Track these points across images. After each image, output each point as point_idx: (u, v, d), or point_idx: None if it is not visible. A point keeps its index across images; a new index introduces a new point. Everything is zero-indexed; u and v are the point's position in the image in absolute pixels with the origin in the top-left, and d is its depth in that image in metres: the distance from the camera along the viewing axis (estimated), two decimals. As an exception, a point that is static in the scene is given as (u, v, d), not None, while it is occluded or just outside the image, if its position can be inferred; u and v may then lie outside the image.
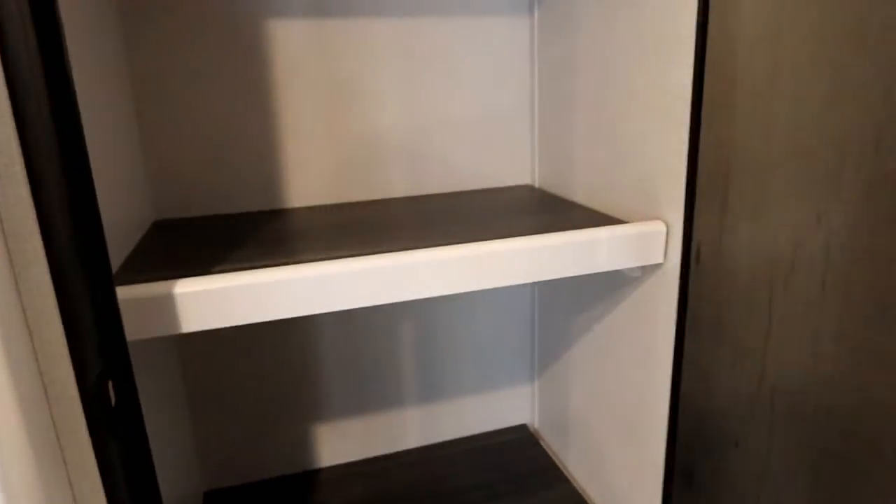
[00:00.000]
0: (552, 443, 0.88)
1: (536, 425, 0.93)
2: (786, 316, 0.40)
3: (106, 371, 0.37)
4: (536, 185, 0.81)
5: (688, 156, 0.49)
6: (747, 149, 0.41)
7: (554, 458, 0.86)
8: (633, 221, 0.60)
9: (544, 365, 0.88)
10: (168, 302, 0.45)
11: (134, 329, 0.44)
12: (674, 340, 0.54)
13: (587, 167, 0.68)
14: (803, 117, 0.37)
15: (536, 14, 0.76)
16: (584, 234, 0.54)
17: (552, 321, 0.84)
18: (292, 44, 0.70)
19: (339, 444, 0.86)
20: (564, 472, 0.83)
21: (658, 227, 0.56)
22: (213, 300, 0.46)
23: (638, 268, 0.57)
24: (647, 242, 0.55)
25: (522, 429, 0.93)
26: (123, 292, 0.44)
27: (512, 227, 0.60)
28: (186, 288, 0.45)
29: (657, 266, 0.57)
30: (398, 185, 0.77)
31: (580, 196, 0.70)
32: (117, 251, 0.54)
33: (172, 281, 0.45)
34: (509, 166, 0.81)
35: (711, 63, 0.44)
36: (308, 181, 0.74)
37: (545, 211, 0.68)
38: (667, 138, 0.54)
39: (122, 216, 0.57)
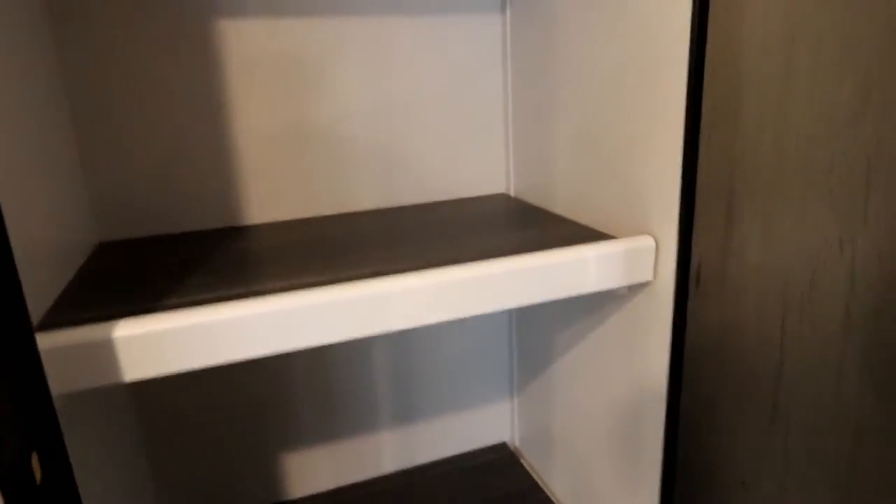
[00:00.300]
0: (534, 462, 0.84)
1: (517, 443, 0.89)
2: (802, 349, 0.36)
3: (28, 443, 0.31)
4: (512, 193, 0.77)
5: (683, 167, 0.45)
6: (756, 163, 0.38)
7: (536, 477, 0.82)
8: (619, 235, 0.57)
9: (524, 381, 0.84)
10: (105, 348, 0.39)
11: (64, 381, 0.38)
12: (668, 365, 0.50)
13: (567, 176, 0.64)
14: (823, 130, 0.33)
15: (509, 12, 0.72)
16: (568, 254, 0.50)
17: (531, 336, 0.80)
18: (246, 45, 0.64)
19: (311, 473, 0.80)
20: (547, 491, 0.79)
21: (647, 242, 0.52)
22: (157, 344, 0.40)
23: (625, 286, 0.53)
24: (635, 259, 0.52)
25: (502, 448, 0.89)
26: (51, 339, 0.38)
27: (489, 246, 0.55)
28: (126, 331, 0.39)
29: (646, 284, 0.53)
30: (366, 196, 0.72)
31: (560, 206, 0.66)
32: (55, 281, 0.48)
33: (110, 323, 0.40)
34: (483, 174, 0.76)
35: (712, 66, 0.40)
36: (268, 195, 0.68)
37: (524, 225, 0.64)
38: (657, 146, 0.50)
39: (58, 240, 0.51)
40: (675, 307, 0.48)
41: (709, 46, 0.40)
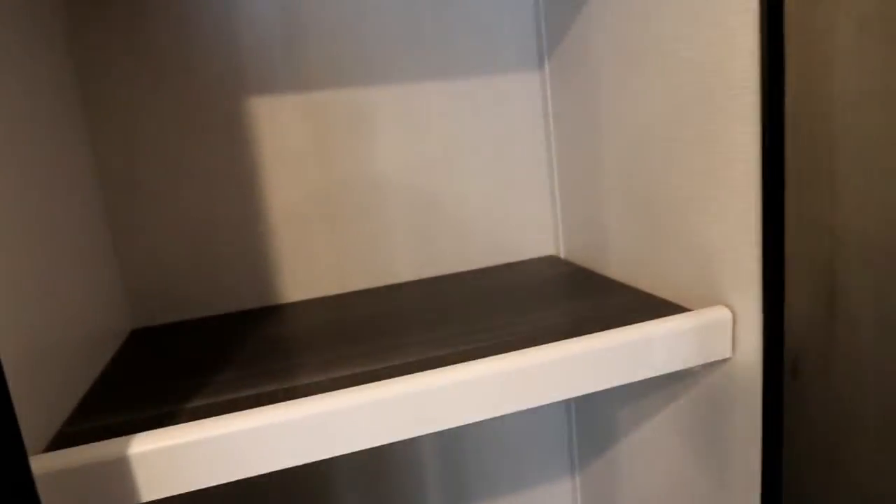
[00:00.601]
0: (602, 549, 0.76)
1: (581, 526, 0.81)
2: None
3: None
4: (562, 255, 0.72)
5: (762, 234, 0.39)
6: (865, 240, 0.32)
7: (606, 568, 0.74)
8: (684, 303, 0.50)
9: (586, 460, 0.77)
10: (120, 467, 0.35)
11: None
12: (761, 460, 0.43)
13: (621, 237, 0.59)
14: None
15: (547, 68, 0.68)
16: (633, 333, 0.44)
17: (592, 410, 0.73)
18: (276, 120, 0.62)
19: (357, 565, 0.75)
20: (620, 586, 0.71)
21: (722, 314, 0.46)
22: (178, 459, 0.36)
23: (698, 365, 0.47)
24: (709, 335, 0.45)
25: None
26: (62, 458, 0.35)
27: (542, 323, 0.50)
28: (144, 446, 0.36)
29: (724, 361, 0.47)
30: (405, 267, 0.68)
31: (615, 270, 0.61)
32: (84, 374, 0.45)
33: (125, 438, 0.36)
34: (530, 236, 0.72)
35: (793, 123, 0.35)
36: (302, 271, 0.65)
37: (578, 293, 0.58)
38: (725, 208, 0.45)
39: (90, 331, 0.48)
40: (766, 397, 0.41)
41: (788, 99, 0.34)
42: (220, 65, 0.60)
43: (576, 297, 0.57)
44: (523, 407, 0.41)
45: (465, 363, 0.41)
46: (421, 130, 0.66)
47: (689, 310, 0.49)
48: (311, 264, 0.65)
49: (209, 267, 0.63)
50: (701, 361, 0.46)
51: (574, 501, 0.81)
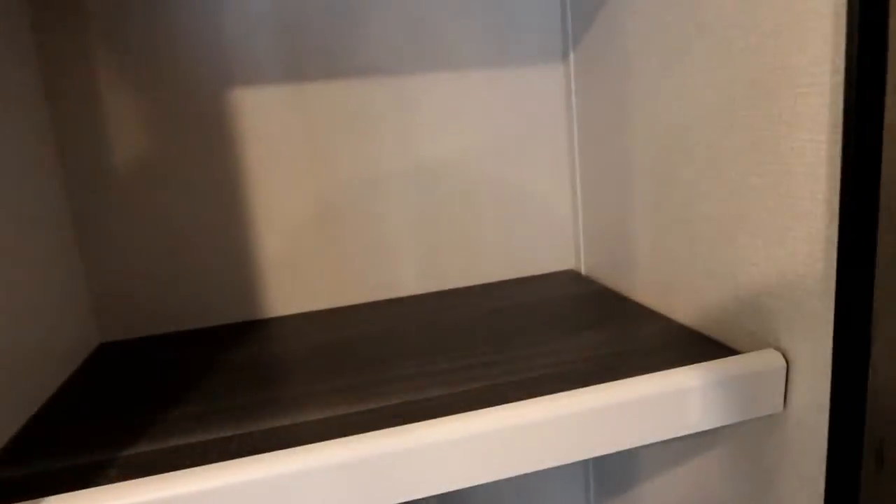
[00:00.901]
0: None
1: (597, 565, 0.74)
2: None
3: None
4: (583, 271, 0.64)
5: (837, 264, 0.32)
6: None
7: None
8: (726, 338, 0.43)
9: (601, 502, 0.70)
10: (32, 537, 0.29)
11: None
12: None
13: (652, 256, 0.51)
14: None
15: (572, 59, 0.61)
16: (668, 382, 0.36)
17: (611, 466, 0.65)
18: (264, 117, 0.55)
19: None
20: None
21: (773, 361, 0.38)
22: (102, 528, 0.30)
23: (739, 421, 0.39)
24: (756, 385, 0.38)
25: (580, 570, 0.74)
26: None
27: (557, 357, 0.43)
28: (61, 512, 0.30)
29: (771, 417, 0.39)
30: (408, 280, 0.61)
31: (643, 293, 0.53)
32: (32, 396, 0.39)
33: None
34: (548, 249, 0.64)
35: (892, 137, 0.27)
36: (293, 284, 0.59)
37: (602, 319, 0.51)
38: (783, 231, 0.37)
39: (41, 347, 0.43)
40: (833, 475, 0.33)
41: (889, 100, 0.26)
42: (202, 53, 0.53)
43: (598, 325, 0.49)
44: (523, 471, 0.34)
45: (454, 417, 0.34)
46: (427, 129, 0.59)
47: (731, 349, 0.41)
48: (301, 276, 0.59)
49: (188, 277, 0.56)
50: (743, 417, 0.38)
51: (590, 538, 0.74)
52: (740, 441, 0.43)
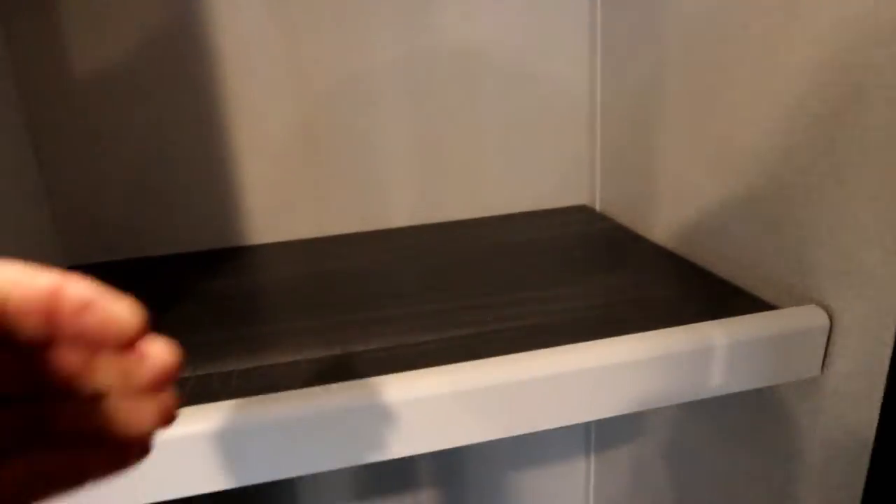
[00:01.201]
0: (613, 542, 0.67)
1: (591, 510, 0.72)
2: None
3: None
4: (597, 207, 0.58)
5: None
6: None
7: (615, 565, 0.65)
8: (758, 290, 0.37)
9: (602, 445, 0.67)
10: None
11: None
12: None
13: (678, 190, 0.45)
14: None
15: (600, -40, 0.52)
16: (693, 336, 0.31)
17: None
18: (244, 18, 0.48)
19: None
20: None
21: (814, 318, 0.32)
22: None
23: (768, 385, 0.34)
24: (792, 345, 0.32)
25: (573, 514, 0.72)
26: None
27: (567, 301, 0.38)
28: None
29: (805, 382, 0.34)
30: (403, 209, 0.56)
31: (661, 232, 0.47)
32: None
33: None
34: (559, 179, 0.58)
35: None
36: (273, 208, 0.53)
37: (618, 261, 0.45)
38: (846, 163, 0.30)
39: None
40: (879, 454, 0.29)
41: None
42: (167, -67, 0.46)
43: (613, 267, 0.44)
44: (515, 433, 0.30)
45: (446, 368, 0.29)
46: (428, 33, 0.52)
47: (764, 303, 0.36)
48: (282, 200, 0.53)
49: (158, 198, 0.51)
50: (776, 381, 0.33)
51: (587, 483, 0.72)
52: (763, 404, 0.38)
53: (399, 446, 0.29)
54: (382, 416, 0.28)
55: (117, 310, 0.15)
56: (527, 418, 0.30)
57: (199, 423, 0.27)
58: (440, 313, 0.37)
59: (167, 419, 0.16)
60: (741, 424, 0.41)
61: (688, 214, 0.44)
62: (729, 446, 0.43)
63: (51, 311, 0.14)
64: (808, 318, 0.32)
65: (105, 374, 0.15)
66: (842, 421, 0.33)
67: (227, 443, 0.27)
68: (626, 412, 0.31)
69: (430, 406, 0.28)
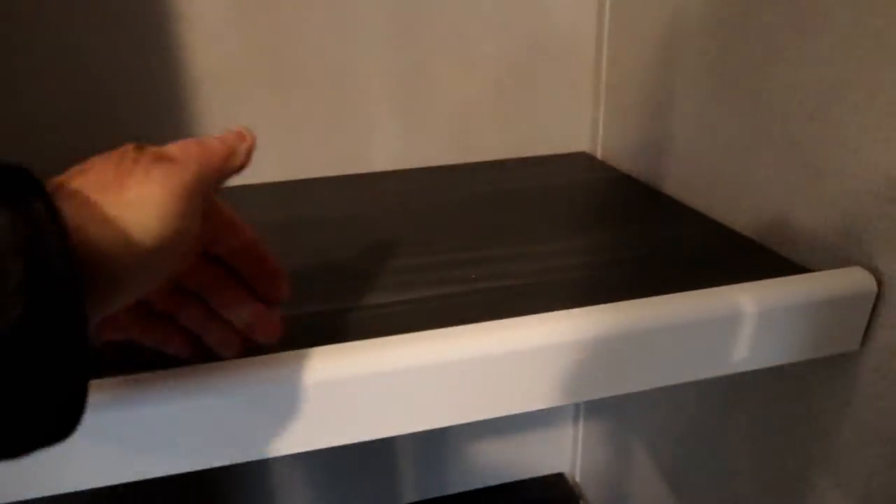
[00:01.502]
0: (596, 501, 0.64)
1: (577, 477, 0.69)
2: None
3: None
4: (599, 154, 0.52)
5: None
6: None
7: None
8: (784, 247, 0.32)
9: (593, 406, 0.63)
10: None
11: None
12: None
13: (697, 134, 0.39)
14: None
15: None
16: (714, 303, 0.26)
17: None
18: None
19: None
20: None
21: (861, 283, 0.27)
22: None
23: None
24: (834, 314, 0.27)
25: (560, 480, 0.69)
26: None
27: (565, 258, 0.32)
28: None
29: (841, 356, 0.29)
30: (383, 152, 0.50)
31: (674, 183, 0.42)
32: None
33: None
34: (558, 124, 0.52)
35: None
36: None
37: (623, 215, 0.40)
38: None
39: None
40: None
41: None
42: None
43: (619, 221, 0.38)
44: (505, 413, 0.25)
45: (420, 336, 0.24)
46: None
47: (796, 265, 0.31)
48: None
49: (99, 138, 0.44)
50: (811, 356, 0.28)
51: (574, 446, 0.68)
52: (780, 375, 0.34)
53: (358, 429, 0.24)
54: (342, 392, 0.23)
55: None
56: (517, 397, 0.25)
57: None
58: (420, 269, 0.32)
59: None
60: (752, 396, 0.37)
61: (707, 163, 0.38)
62: (736, 421, 0.38)
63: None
64: (851, 282, 0.27)
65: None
66: (879, 403, 0.28)
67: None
68: (633, 391, 0.26)
69: (398, 381, 0.23)
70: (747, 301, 0.26)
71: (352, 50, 0.46)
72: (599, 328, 0.25)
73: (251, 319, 0.23)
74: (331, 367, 0.23)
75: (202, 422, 0.22)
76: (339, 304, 0.29)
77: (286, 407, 0.23)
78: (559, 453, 0.68)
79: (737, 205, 0.36)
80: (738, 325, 0.26)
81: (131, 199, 0.18)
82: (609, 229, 0.37)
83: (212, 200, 0.22)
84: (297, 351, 0.23)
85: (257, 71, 0.45)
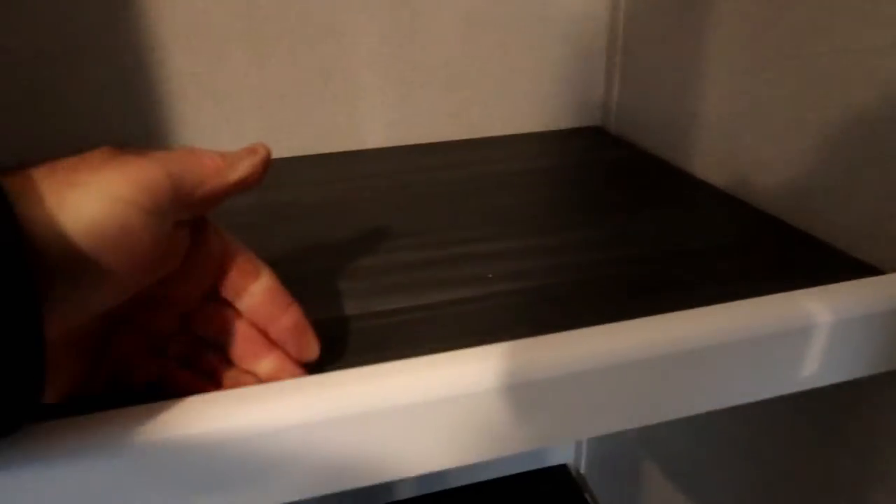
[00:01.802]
0: (601, 494, 0.61)
1: (582, 469, 0.66)
2: None
3: None
4: (612, 129, 0.47)
5: None
6: None
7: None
8: (840, 238, 0.28)
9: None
10: None
11: None
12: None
13: (734, 108, 0.35)
14: None
15: None
16: (781, 310, 0.22)
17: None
18: None
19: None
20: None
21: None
22: None
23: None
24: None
25: (562, 472, 0.66)
26: None
27: (583, 253, 0.28)
28: None
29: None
30: (374, 127, 0.45)
31: (703, 163, 0.37)
32: None
33: None
34: (566, 95, 0.47)
35: None
36: (211, 121, 0.42)
37: (645, 199, 0.35)
38: None
39: None
40: None
41: None
42: None
43: (644, 206, 0.34)
44: (509, 453, 0.21)
45: (437, 358, 0.19)
46: None
47: (857, 261, 0.27)
48: (223, 111, 0.41)
49: (62, 105, 0.39)
50: (882, 369, 0.24)
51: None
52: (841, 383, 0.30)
53: (375, 469, 0.19)
54: (347, 429, 0.19)
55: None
56: (561, 425, 0.20)
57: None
58: (424, 266, 0.28)
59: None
60: (795, 399, 0.33)
61: (747, 140, 0.34)
62: (770, 421, 0.35)
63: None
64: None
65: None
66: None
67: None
68: (683, 415, 0.22)
69: (407, 415, 0.19)
70: (821, 309, 0.22)
71: (339, 11, 0.40)
72: (646, 346, 0.20)
73: (274, 374, 0.20)
74: (348, 398, 0.18)
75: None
76: (337, 312, 0.24)
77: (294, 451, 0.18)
78: (562, 444, 0.65)
79: (782, 189, 0.32)
80: (811, 337, 0.22)
81: (79, 180, 0.15)
82: (636, 216, 0.32)
83: (218, 234, 0.20)
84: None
85: (237, 33, 0.40)
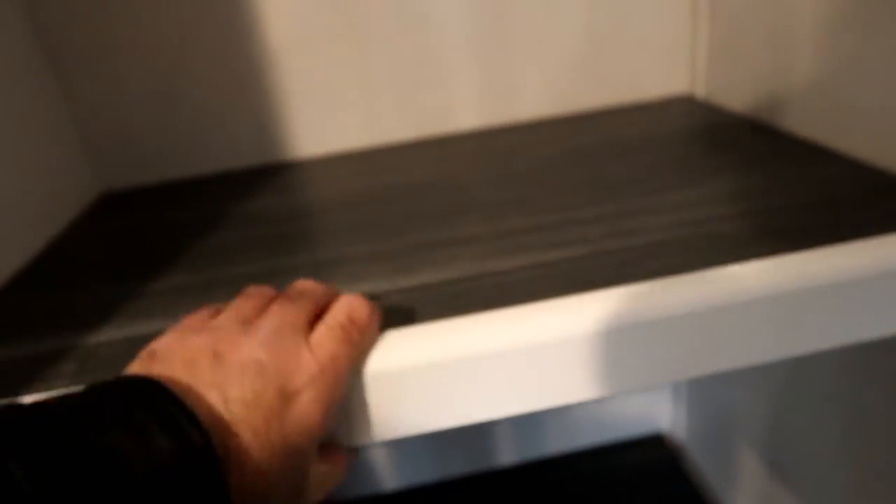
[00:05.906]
0: (702, 462, 0.61)
1: (680, 438, 0.66)
2: None
3: None
4: (702, 95, 0.48)
5: None
6: None
7: (701, 485, 0.59)
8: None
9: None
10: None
11: None
12: None
13: (828, 58, 0.35)
14: None
15: None
16: (881, 251, 0.23)
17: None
18: None
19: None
20: (727, 520, 0.57)
21: None
22: None
23: None
24: None
25: (658, 441, 0.67)
26: None
27: (687, 211, 0.29)
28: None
29: None
30: (468, 111, 0.47)
31: (799, 119, 0.37)
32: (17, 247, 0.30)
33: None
34: (652, 63, 0.48)
35: None
36: (318, 117, 0.46)
37: (746, 160, 0.36)
38: None
39: (32, 197, 0.33)
40: None
41: None
42: None
43: (745, 166, 0.34)
44: (627, 389, 0.23)
45: (538, 308, 0.22)
46: None
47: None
48: (328, 106, 0.45)
49: (189, 111, 0.44)
50: None
51: (673, 403, 0.66)
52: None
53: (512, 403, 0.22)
54: (476, 368, 0.21)
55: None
56: (650, 370, 0.22)
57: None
58: (522, 231, 0.30)
59: None
60: (868, 353, 0.33)
61: (846, 91, 0.34)
62: (873, 390, 0.35)
63: None
64: None
65: None
66: None
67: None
68: (789, 356, 0.23)
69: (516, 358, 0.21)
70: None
71: (432, 13, 0.43)
72: (757, 287, 0.22)
73: None
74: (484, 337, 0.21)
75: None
76: (455, 273, 0.27)
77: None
78: (658, 411, 0.66)
79: (873, 138, 0.32)
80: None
81: (291, 430, 0.18)
82: (736, 176, 0.33)
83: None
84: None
85: (334, 28, 0.43)
